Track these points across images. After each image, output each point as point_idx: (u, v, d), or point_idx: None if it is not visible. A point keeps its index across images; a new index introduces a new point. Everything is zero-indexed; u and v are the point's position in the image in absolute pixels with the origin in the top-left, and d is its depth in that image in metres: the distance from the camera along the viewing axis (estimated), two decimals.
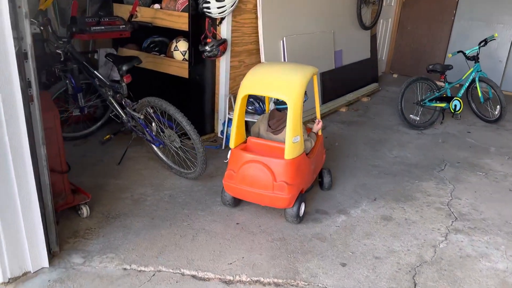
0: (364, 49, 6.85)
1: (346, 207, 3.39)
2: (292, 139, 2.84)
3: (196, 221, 3.07)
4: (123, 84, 3.55)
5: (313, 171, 3.26)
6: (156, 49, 4.72)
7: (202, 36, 4.18)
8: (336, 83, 6.05)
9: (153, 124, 3.55)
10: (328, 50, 5.86)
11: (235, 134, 3.02)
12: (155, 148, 3.76)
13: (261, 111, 4.32)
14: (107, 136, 3.82)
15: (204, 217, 3.12)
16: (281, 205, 2.96)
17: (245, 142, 3.15)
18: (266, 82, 2.94)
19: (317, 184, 3.60)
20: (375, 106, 6.23)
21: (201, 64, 4.35)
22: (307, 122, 5.05)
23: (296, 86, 2.87)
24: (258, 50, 4.75)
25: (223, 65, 4.46)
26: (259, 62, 4.77)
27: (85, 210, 3.01)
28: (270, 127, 3.14)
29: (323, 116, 5.52)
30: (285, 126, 3.06)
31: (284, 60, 4.97)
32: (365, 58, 6.88)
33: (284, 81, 2.92)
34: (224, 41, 4.19)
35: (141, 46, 4.72)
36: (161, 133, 3.59)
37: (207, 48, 4.11)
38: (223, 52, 4.25)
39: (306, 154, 3.13)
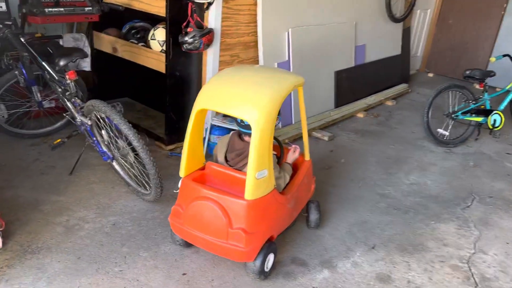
0: (393, 44, 5.93)
1: (333, 257, 2.63)
2: (255, 174, 2.10)
3: (132, 266, 2.40)
4: (68, 81, 2.88)
5: (292, 210, 2.51)
6: (137, 35, 4.04)
7: (184, 24, 3.45)
8: (354, 83, 5.20)
9: (103, 132, 2.88)
10: (347, 45, 5.01)
11: (185, 158, 2.31)
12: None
13: None
14: (58, 140, 3.20)
15: (145, 261, 2.45)
16: (238, 258, 2.24)
17: (203, 168, 2.44)
18: (227, 95, 2.20)
19: (303, 219, 2.85)
20: (400, 112, 5.34)
21: (183, 57, 3.63)
22: (291, 139, 4.26)
23: (265, 103, 2.12)
24: (257, 43, 3.98)
25: (211, 60, 3.72)
26: (257, 56, 4.01)
27: None
28: (227, 160, 2.41)
29: (334, 122, 4.72)
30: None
31: (288, 57, 4.18)
32: (394, 55, 5.97)
33: (250, 96, 2.16)
34: (209, 32, 3.45)
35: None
36: (113, 144, 2.92)
37: (187, 39, 3.38)
38: (208, 45, 3.51)
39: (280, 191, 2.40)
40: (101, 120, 2.82)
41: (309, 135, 4.40)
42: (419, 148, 4.35)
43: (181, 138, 3.83)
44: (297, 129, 4.31)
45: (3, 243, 2.47)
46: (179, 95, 3.74)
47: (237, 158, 2.35)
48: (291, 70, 4.22)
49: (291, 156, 2.57)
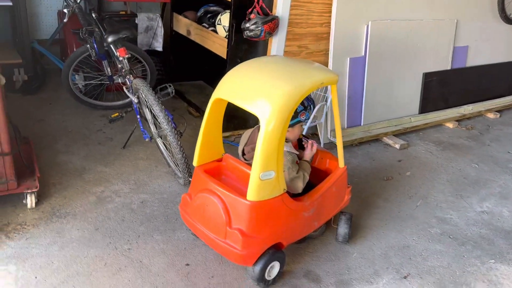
0: (506, 48, 5.14)
1: (353, 279, 2.34)
2: (259, 174, 1.93)
3: (142, 247, 2.40)
4: (121, 58, 2.96)
5: (311, 219, 2.29)
6: (212, 20, 4.03)
7: (249, 10, 3.34)
8: (447, 88, 4.63)
9: (146, 110, 2.92)
10: (443, 45, 4.45)
11: (199, 147, 2.22)
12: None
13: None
14: (116, 114, 3.33)
15: (155, 244, 2.43)
16: (234, 260, 2.10)
17: (221, 159, 2.33)
18: (244, 87, 2.05)
19: (333, 231, 2.60)
20: (501, 128, 4.63)
21: (246, 45, 3.53)
22: (354, 143, 3.90)
23: (278, 99, 1.92)
24: (330, 34, 3.72)
25: (275, 49, 3.57)
26: (328, 49, 3.75)
27: (29, 200, 2.57)
28: (244, 154, 2.26)
29: (415, 130, 4.25)
30: None
31: (365, 53, 3.83)
32: (507, 61, 5.17)
33: (265, 90, 1.98)
34: (272, 19, 3.29)
35: None
36: (154, 124, 2.94)
37: (248, 25, 3.27)
38: (269, 33, 3.35)
39: (298, 194, 2.19)
40: (145, 100, 2.87)
41: (378, 140, 4.02)
42: (509, 172, 3.71)
43: (237, 126, 3.76)
44: (366, 132, 3.97)
45: (39, 203, 2.65)
46: None
47: (252, 152, 2.19)
48: (366, 67, 3.87)
49: (308, 152, 2.31)
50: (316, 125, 3.70)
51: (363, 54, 3.86)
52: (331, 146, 3.81)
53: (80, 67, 3.70)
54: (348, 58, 3.77)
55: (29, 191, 2.56)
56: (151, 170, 3.14)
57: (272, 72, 2.07)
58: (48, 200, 2.70)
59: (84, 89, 3.75)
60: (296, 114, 2.14)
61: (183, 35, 4.18)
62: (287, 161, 2.14)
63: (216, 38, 3.64)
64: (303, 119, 2.19)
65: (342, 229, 2.52)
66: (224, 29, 3.56)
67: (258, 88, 2.00)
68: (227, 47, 3.49)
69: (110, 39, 2.89)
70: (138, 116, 3.00)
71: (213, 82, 4.40)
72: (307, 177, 2.21)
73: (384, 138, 4.04)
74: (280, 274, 2.23)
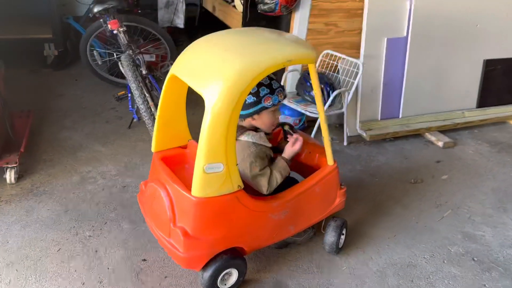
0: None
1: None
2: (203, 166, 1.62)
3: (104, 235, 2.21)
4: (114, 31, 2.78)
5: (284, 222, 1.93)
6: None
7: None
8: None
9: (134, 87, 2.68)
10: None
11: (156, 132, 1.95)
12: None
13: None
14: (122, 92, 3.19)
15: (119, 234, 2.23)
16: (178, 262, 1.81)
17: (186, 146, 2.05)
18: (196, 63, 1.73)
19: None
20: None
21: (264, 21, 3.19)
22: (387, 137, 3.38)
23: (225, 77, 1.58)
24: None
25: (296, 26, 3.18)
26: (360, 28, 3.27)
27: (8, 175, 2.50)
28: None
29: (468, 126, 3.64)
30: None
31: (407, 33, 3.29)
32: None
33: (214, 66, 1.65)
34: None
35: None
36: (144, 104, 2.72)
37: None
38: (286, 8, 2.97)
39: (267, 194, 1.85)
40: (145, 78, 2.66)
41: (419, 136, 3.48)
42: None
43: None
44: (404, 126, 3.44)
45: (22, 179, 2.57)
46: None
47: None
48: (408, 50, 3.33)
49: (288, 150, 1.94)
50: (340, 115, 3.25)
51: (404, 34, 3.31)
52: (358, 140, 3.35)
53: (97, 43, 3.60)
54: (385, 39, 3.26)
55: (8, 166, 2.49)
56: (147, 153, 2.94)
57: (231, 46, 1.72)
58: (31, 177, 2.62)
59: (104, 66, 3.66)
60: (259, 98, 1.79)
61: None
62: (250, 154, 1.81)
63: (235, 14, 3.34)
64: (268, 104, 1.83)
65: (329, 237, 2.12)
66: (241, 2, 3.25)
67: (208, 64, 1.68)
68: (242, 23, 3.17)
69: (95, 9, 2.72)
70: (129, 94, 2.82)
71: None
72: (279, 178, 1.85)
73: (426, 134, 3.48)
74: (240, 283, 1.92)
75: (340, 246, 2.18)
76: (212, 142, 1.61)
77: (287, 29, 3.25)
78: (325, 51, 3.24)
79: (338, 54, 3.18)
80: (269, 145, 1.90)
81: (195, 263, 1.78)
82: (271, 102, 1.82)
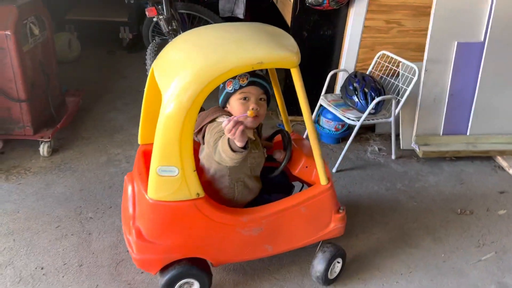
0: None
1: None
2: (156, 167, 1.54)
3: (103, 219, 2.25)
4: (154, 19, 2.78)
5: (260, 241, 1.76)
6: None
7: None
8: None
9: None
10: None
11: (141, 123, 1.90)
12: None
13: (363, 107, 2.67)
14: None
15: (118, 220, 2.25)
16: (133, 260, 1.75)
17: None
18: (169, 58, 1.62)
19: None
20: None
21: (316, 15, 2.96)
22: (449, 155, 2.90)
23: (183, 76, 1.45)
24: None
25: (351, 23, 2.89)
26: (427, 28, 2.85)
27: (41, 149, 2.69)
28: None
29: None
30: (204, 127, 1.72)
31: (485, 37, 2.79)
32: None
33: (179, 63, 1.53)
34: None
35: None
36: None
37: None
38: (337, 3, 2.71)
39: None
40: None
41: (488, 159, 2.96)
42: None
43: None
44: (470, 145, 2.97)
45: (55, 153, 2.75)
46: (305, 62, 3.10)
47: (199, 119, 1.75)
48: (484, 57, 2.83)
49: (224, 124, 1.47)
50: (388, 124, 2.89)
51: (481, 39, 2.81)
52: (410, 155, 2.97)
53: None
54: (455, 43, 2.80)
55: (42, 140, 2.67)
56: None
57: (204, 42, 1.58)
58: (65, 152, 2.78)
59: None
60: (223, 84, 1.66)
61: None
62: (218, 130, 1.61)
63: (289, 6, 3.14)
64: (230, 90, 1.66)
65: (318, 265, 1.89)
66: None
67: (174, 60, 1.57)
68: (291, 17, 2.97)
69: None
70: None
71: None
72: (221, 151, 1.52)
73: (498, 157, 2.95)
74: None
75: (331, 277, 1.93)
76: (164, 144, 1.51)
77: (342, 25, 2.97)
78: (381, 52, 2.90)
79: (394, 56, 2.82)
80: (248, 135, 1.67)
81: (149, 267, 1.70)
82: (231, 87, 1.65)
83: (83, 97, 3.28)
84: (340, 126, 2.96)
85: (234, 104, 1.69)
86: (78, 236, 2.14)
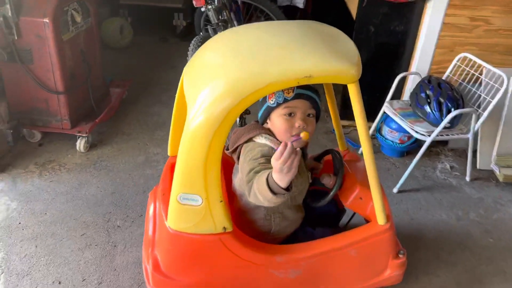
0: None
1: None
2: (177, 194, 1.29)
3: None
4: (202, 9, 2.52)
5: (298, 285, 1.47)
6: None
7: None
8: None
9: None
10: None
11: (171, 134, 1.65)
12: None
13: (436, 120, 2.27)
14: None
15: (99, 229, 2.05)
16: None
17: None
18: (200, 64, 1.34)
19: None
20: None
21: (387, 7, 2.56)
22: None
23: (215, 88, 1.18)
24: None
25: (427, 19, 2.47)
26: None
27: (78, 144, 2.54)
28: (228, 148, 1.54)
29: None
30: (239, 148, 1.44)
31: None
32: None
33: (210, 72, 1.26)
34: None
35: None
36: None
37: None
38: None
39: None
40: None
41: None
42: None
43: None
44: None
45: (93, 148, 2.60)
46: (370, 60, 2.72)
47: (235, 136, 1.48)
48: None
49: (277, 151, 1.15)
50: (466, 141, 2.45)
51: None
52: (488, 177, 2.52)
53: None
54: None
55: (79, 134, 2.53)
56: None
57: (241, 47, 1.28)
58: (103, 148, 2.63)
59: None
60: (264, 96, 1.36)
61: None
62: (256, 152, 1.34)
63: None
64: (271, 103, 1.37)
65: None
66: None
67: (205, 68, 1.30)
68: (357, 10, 2.60)
69: None
70: None
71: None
72: (256, 190, 1.22)
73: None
74: None
75: None
76: (187, 168, 1.25)
77: (417, 21, 2.55)
78: (461, 54, 2.46)
79: (478, 60, 2.37)
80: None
81: None
82: (274, 100, 1.35)
83: (129, 88, 3.12)
84: (406, 138, 2.57)
85: (277, 121, 1.39)
86: (102, 248, 1.96)
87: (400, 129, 2.52)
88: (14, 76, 2.40)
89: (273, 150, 1.37)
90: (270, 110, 1.40)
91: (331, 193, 1.53)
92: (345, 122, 2.85)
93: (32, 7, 2.26)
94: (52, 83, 2.41)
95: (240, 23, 3.20)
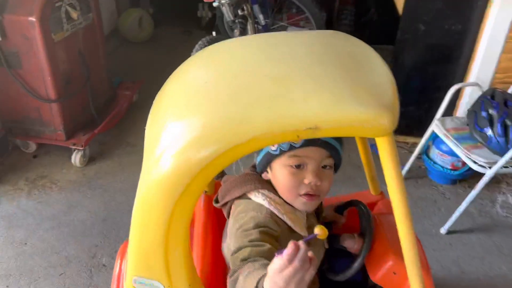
0: None
1: None
2: (131, 277, 0.93)
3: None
4: (214, 4, 2.13)
5: None
6: None
7: None
8: None
9: None
10: None
11: None
12: None
13: (500, 147, 1.79)
14: None
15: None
16: None
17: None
18: (174, 97, 0.96)
19: None
20: None
21: (441, 2, 2.07)
22: None
23: (179, 143, 0.80)
24: None
25: (494, 13, 1.97)
26: None
27: (73, 158, 2.25)
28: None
29: None
30: (229, 203, 1.08)
31: None
32: None
33: (175, 117, 0.87)
34: None
35: None
36: None
37: None
38: None
39: None
40: None
41: None
42: None
43: (407, 129, 2.42)
44: None
45: (91, 162, 2.31)
46: (419, 66, 2.25)
47: (225, 187, 1.10)
48: None
49: (272, 269, 0.73)
50: None
51: None
52: None
53: None
54: None
55: (74, 147, 2.23)
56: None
57: (228, 74, 0.89)
58: (101, 162, 2.33)
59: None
60: None
61: None
62: (250, 218, 0.97)
63: None
64: (274, 150, 0.97)
65: None
66: None
67: (169, 109, 0.91)
68: (404, 2, 2.13)
69: None
70: None
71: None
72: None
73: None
74: None
75: None
76: (142, 248, 0.90)
77: (478, 19, 2.05)
78: None
79: None
80: (289, 222, 1.01)
81: None
82: (276, 146, 0.95)
83: (141, 90, 2.79)
84: (460, 164, 2.09)
85: (280, 173, 0.99)
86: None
87: (454, 153, 2.03)
88: (2, 81, 2.12)
89: (271, 216, 0.98)
90: (271, 158, 1.00)
91: (356, 264, 1.12)
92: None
93: (17, 3, 1.97)
94: (43, 90, 2.11)
95: (266, 17, 2.78)
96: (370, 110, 0.76)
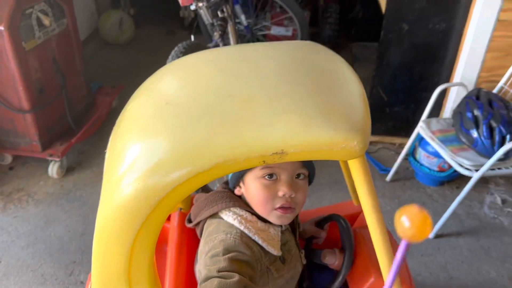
0: None
1: None
2: None
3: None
4: (192, 7, 2.06)
5: None
6: None
7: None
8: None
9: None
10: None
11: None
12: None
13: (485, 150, 1.75)
14: None
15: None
16: None
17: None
18: (135, 121, 0.89)
19: None
20: None
21: (425, 0, 2.02)
22: None
23: (136, 170, 0.74)
24: None
25: (477, 15, 1.93)
26: None
27: (50, 170, 2.18)
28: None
29: None
30: (202, 223, 1.02)
31: None
32: None
33: (132, 143, 0.81)
34: None
35: None
36: None
37: None
38: None
39: None
40: None
41: None
42: None
43: (390, 130, 2.38)
44: None
45: (70, 173, 2.24)
46: (403, 66, 2.20)
47: (198, 207, 1.04)
48: None
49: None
50: None
51: None
52: None
53: None
54: None
55: (51, 158, 2.16)
56: None
57: (192, 95, 0.83)
58: (80, 173, 2.26)
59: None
60: None
61: None
62: (219, 241, 0.91)
63: None
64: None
65: None
66: None
67: (130, 130, 0.85)
68: (387, 0, 2.08)
69: None
70: None
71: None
72: None
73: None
74: None
75: None
76: (103, 282, 0.83)
77: (462, 17, 2.00)
78: None
79: None
80: (260, 242, 0.95)
81: None
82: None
83: (122, 94, 2.72)
84: (446, 166, 2.05)
85: (253, 187, 0.93)
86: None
87: (440, 154, 2.00)
88: None
89: (241, 238, 0.93)
90: (243, 171, 0.95)
91: (336, 283, 1.08)
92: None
93: None
94: (16, 101, 2.03)
95: (249, 17, 2.71)
96: (339, 133, 0.71)
